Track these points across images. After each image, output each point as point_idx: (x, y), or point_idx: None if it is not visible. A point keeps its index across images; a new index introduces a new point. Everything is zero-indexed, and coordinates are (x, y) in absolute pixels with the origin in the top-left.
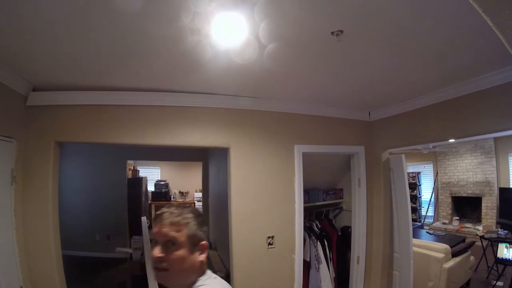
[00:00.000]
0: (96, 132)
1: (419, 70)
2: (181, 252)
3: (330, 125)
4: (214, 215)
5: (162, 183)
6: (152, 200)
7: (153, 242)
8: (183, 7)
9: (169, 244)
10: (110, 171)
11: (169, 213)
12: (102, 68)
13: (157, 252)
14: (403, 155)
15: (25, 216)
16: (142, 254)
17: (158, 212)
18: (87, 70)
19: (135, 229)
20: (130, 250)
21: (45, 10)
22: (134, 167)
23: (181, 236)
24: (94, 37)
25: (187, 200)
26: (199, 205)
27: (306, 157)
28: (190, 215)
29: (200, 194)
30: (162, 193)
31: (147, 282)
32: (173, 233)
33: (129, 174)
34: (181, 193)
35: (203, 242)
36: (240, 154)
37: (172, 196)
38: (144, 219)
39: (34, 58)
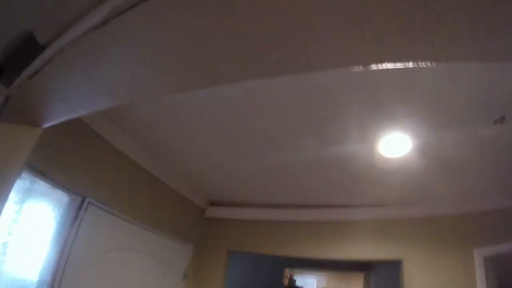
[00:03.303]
0: (264, 245)
1: None
2: None
3: None
4: None
5: None
6: None
7: None
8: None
9: None
10: (268, 278)
11: None
12: (272, 189)
13: None
14: None
15: None
16: None
17: None
18: (257, 191)
19: None
20: None
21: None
22: (291, 275)
23: None
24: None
25: None
26: None
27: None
28: None
29: None
30: None
31: None
32: None
33: (285, 282)
34: None
35: None
36: (414, 266)
37: None
38: None
39: (213, 181)
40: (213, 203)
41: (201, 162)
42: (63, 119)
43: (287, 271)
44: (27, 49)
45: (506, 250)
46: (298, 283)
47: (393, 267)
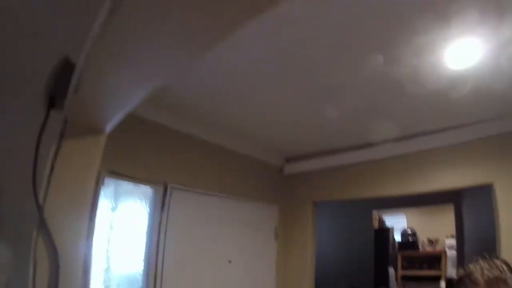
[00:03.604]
0: (347, 190)
1: None
2: None
3: None
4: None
5: (409, 231)
6: (399, 249)
7: None
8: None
9: None
10: (357, 222)
11: (480, 270)
12: (343, 131)
13: None
14: None
15: (285, 265)
16: None
17: (463, 273)
18: (329, 137)
19: (381, 279)
20: None
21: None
22: (379, 216)
23: None
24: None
25: (437, 248)
26: (451, 253)
27: None
28: (504, 267)
29: (452, 241)
30: (409, 242)
31: None
32: None
33: (375, 224)
34: (429, 240)
35: None
36: (508, 188)
37: (420, 245)
38: (392, 270)
39: (284, 138)
40: (289, 160)
41: (267, 124)
42: (119, 116)
43: (375, 214)
44: (65, 70)
45: None
46: (388, 223)
47: (485, 193)
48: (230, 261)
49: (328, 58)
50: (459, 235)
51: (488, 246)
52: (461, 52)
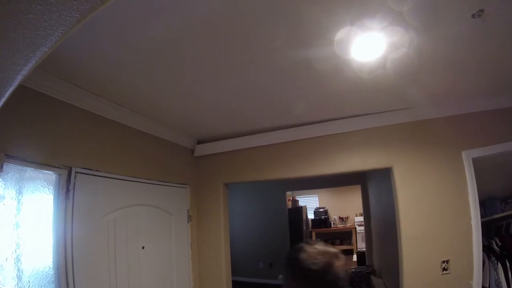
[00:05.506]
0: (258, 171)
1: None
2: None
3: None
4: (377, 239)
5: (321, 210)
6: (312, 227)
7: None
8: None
9: None
10: (271, 203)
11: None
12: (255, 114)
13: None
14: None
15: (200, 247)
16: None
17: None
18: (241, 120)
19: None
20: None
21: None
22: (293, 197)
23: None
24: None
25: (348, 225)
26: (360, 229)
27: (476, 161)
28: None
29: (360, 218)
30: (322, 220)
31: None
32: None
33: (289, 204)
34: (340, 218)
35: None
36: (404, 171)
37: (332, 222)
38: None
39: (199, 120)
40: (200, 141)
41: (178, 104)
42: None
43: (288, 194)
44: None
45: (495, 151)
46: (301, 203)
47: (386, 176)
48: (143, 247)
49: (239, 44)
50: (366, 213)
51: (389, 221)
52: (367, 45)
